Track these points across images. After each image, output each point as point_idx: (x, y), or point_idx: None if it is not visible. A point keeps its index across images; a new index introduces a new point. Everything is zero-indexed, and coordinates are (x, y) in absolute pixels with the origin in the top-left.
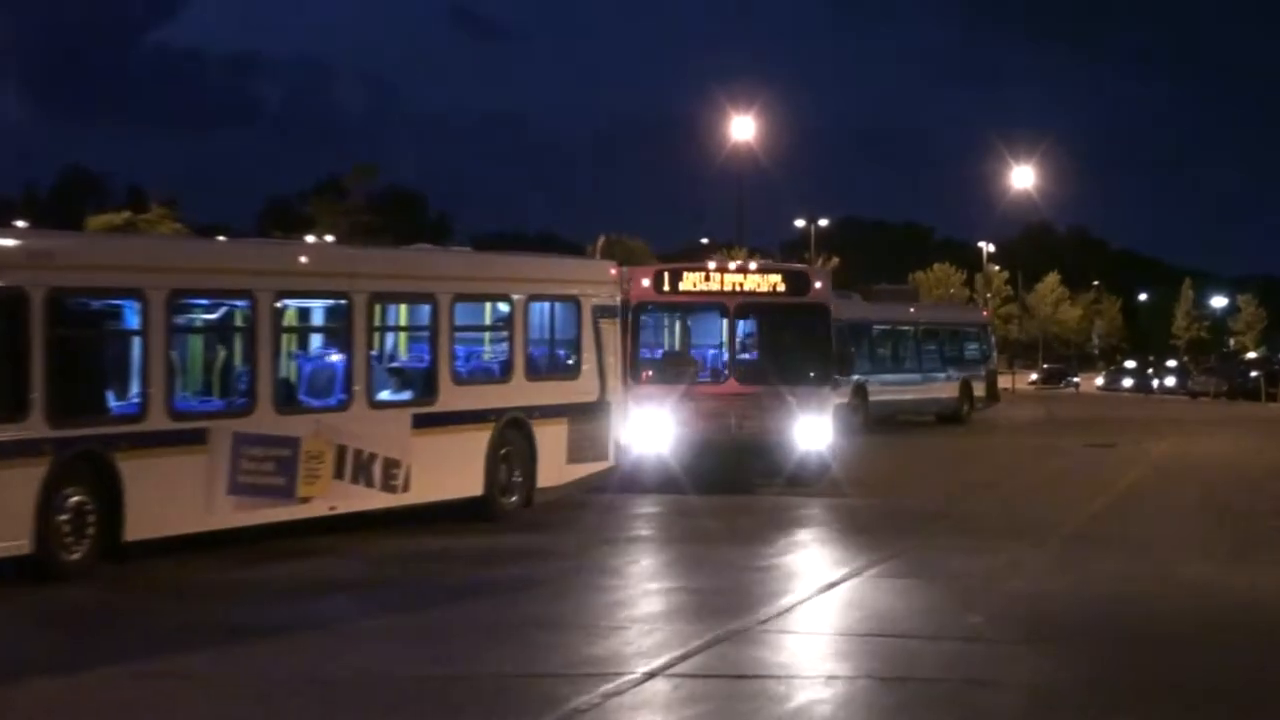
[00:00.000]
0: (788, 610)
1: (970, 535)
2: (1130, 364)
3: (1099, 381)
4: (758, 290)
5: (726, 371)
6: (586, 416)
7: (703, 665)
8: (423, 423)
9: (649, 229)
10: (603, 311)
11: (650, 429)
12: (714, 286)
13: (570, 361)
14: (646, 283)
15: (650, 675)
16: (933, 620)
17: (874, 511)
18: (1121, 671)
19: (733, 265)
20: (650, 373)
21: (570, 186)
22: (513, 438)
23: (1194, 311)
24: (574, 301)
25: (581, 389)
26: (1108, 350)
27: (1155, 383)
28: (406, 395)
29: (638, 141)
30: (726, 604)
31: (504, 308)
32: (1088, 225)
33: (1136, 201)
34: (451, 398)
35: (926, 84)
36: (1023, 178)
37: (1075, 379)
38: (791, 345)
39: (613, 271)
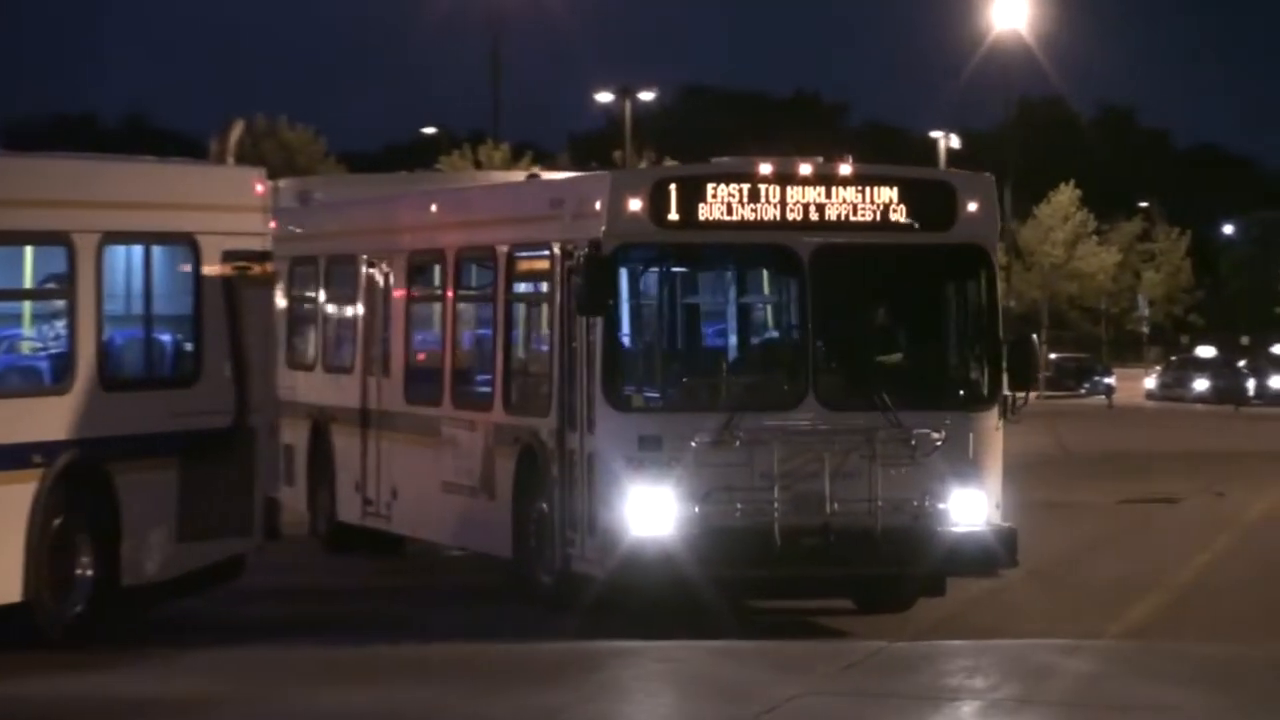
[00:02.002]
0: None
1: (898, 674)
2: (1207, 351)
3: (1149, 384)
4: (856, 219)
5: (802, 385)
6: (214, 456)
7: None
8: None
9: (326, 114)
10: (241, 262)
11: (647, 501)
12: (769, 211)
13: (182, 355)
14: (637, 205)
15: None
16: None
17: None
18: None
19: (805, 168)
20: (647, 388)
21: (178, 36)
22: (76, 497)
23: None
24: (188, 244)
25: (203, 404)
26: (1167, 327)
27: (1251, 384)
28: None
29: None
30: None
31: (58, 257)
32: (1133, 106)
33: (1221, 69)
34: None
35: None
36: (1011, 15)
37: (1109, 379)
38: (926, 329)
39: (258, 188)
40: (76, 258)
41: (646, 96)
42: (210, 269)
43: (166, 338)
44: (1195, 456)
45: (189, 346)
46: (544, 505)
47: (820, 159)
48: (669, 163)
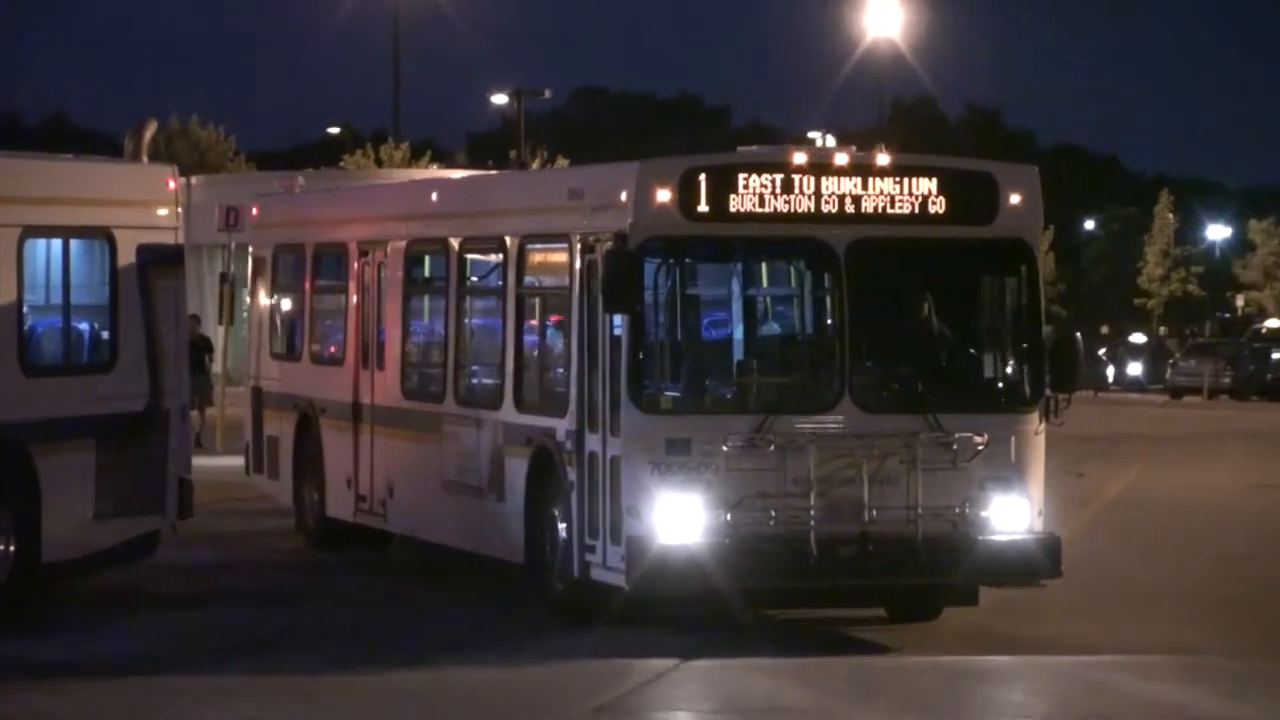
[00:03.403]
0: None
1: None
2: None
3: None
4: (894, 211)
5: (838, 386)
6: (129, 438)
7: None
8: None
9: (234, 112)
10: (154, 255)
11: (674, 508)
12: (804, 203)
13: (99, 342)
14: (665, 196)
15: None
16: None
17: None
18: None
19: (841, 158)
20: (675, 389)
21: (98, 39)
22: None
23: (1176, 250)
24: (105, 238)
25: (119, 390)
26: None
27: (1110, 372)
28: None
29: None
30: None
31: None
32: (999, 105)
33: (1083, 68)
34: None
35: None
36: (884, 20)
37: None
38: (966, 327)
39: (171, 184)
40: None
41: (539, 98)
42: (125, 261)
43: (84, 326)
44: (1056, 438)
45: (105, 334)
46: (559, 510)
47: (854, 148)
48: (561, 161)
